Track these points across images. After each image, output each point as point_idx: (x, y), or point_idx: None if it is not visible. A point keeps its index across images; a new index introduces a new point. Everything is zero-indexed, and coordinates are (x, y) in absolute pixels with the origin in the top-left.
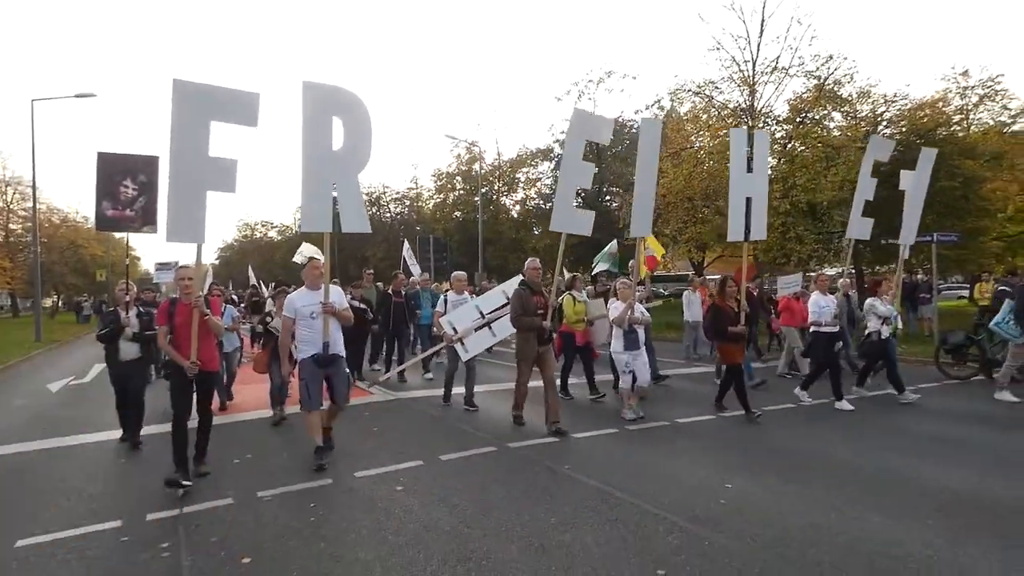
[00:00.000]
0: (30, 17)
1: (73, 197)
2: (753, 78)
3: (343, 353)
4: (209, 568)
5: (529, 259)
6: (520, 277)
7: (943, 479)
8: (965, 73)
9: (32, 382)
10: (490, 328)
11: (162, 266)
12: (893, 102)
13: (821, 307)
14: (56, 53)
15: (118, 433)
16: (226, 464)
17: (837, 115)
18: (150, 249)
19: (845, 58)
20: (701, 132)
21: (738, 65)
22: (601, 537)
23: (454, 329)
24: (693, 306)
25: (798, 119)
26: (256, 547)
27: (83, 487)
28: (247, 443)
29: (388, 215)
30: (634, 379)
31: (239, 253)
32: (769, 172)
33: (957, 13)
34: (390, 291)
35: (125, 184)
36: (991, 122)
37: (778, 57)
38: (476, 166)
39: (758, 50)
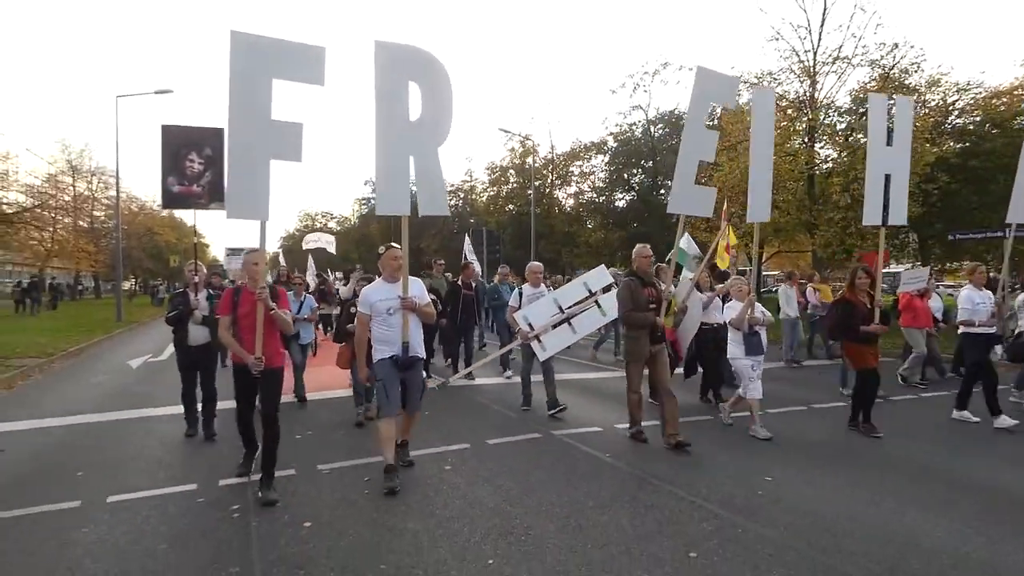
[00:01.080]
0: (112, 16)
1: (151, 187)
2: (814, 68)
3: (423, 355)
4: (274, 530)
5: (639, 246)
6: (603, 269)
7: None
8: None
9: (116, 358)
10: (570, 324)
11: (233, 252)
12: (966, 90)
13: (975, 304)
14: (137, 52)
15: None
16: (290, 439)
17: None
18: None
19: (912, 46)
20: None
21: (798, 55)
22: (636, 520)
23: (530, 325)
24: (792, 302)
25: (861, 110)
26: (315, 514)
27: (162, 455)
28: (308, 421)
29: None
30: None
31: (300, 244)
32: (829, 164)
33: None
34: (459, 282)
35: (191, 159)
36: None
37: (840, 46)
38: (529, 159)
39: (819, 39)
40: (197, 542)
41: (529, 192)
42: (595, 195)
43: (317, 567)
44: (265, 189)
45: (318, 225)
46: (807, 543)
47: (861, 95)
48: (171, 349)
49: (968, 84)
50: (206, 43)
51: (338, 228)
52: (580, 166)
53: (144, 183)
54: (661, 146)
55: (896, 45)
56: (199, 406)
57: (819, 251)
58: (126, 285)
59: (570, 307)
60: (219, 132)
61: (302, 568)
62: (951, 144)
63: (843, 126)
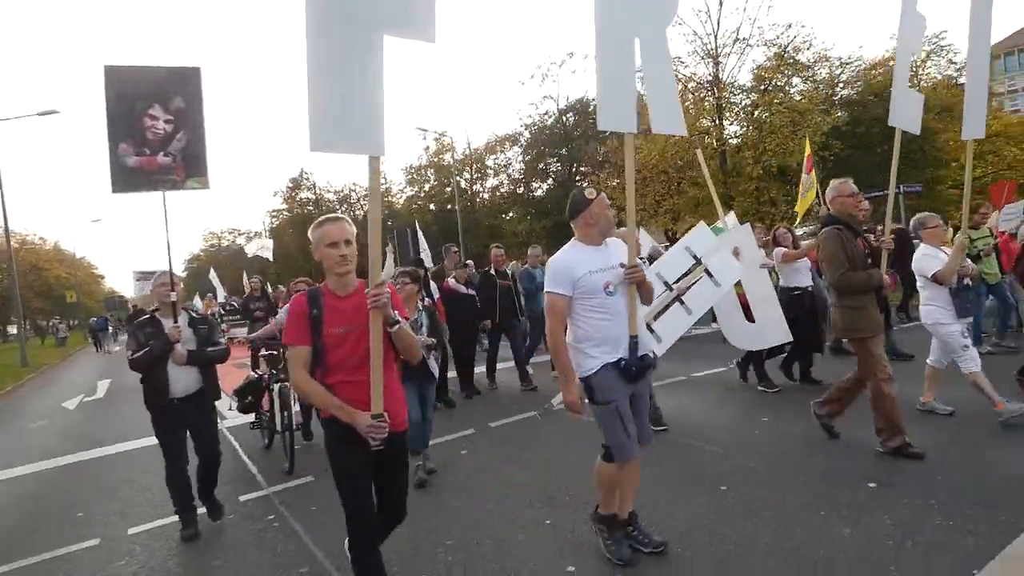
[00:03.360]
0: None
1: (31, 219)
2: (716, 50)
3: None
4: (326, 524)
5: (838, 182)
6: (703, 227)
7: None
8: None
9: (43, 402)
10: (682, 304)
11: (143, 276)
12: (848, 64)
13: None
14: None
15: None
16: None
17: (797, 80)
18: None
19: (803, 25)
20: None
21: (700, 39)
22: (658, 470)
23: (666, 283)
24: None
25: (762, 87)
26: None
27: (158, 485)
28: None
29: (360, 211)
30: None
31: (207, 263)
32: (737, 139)
33: None
34: (492, 271)
35: (152, 114)
36: (939, 76)
37: (739, 28)
38: (448, 156)
39: (719, 23)
40: (249, 552)
41: (448, 189)
42: (512, 186)
43: (385, 552)
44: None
45: (224, 243)
46: (810, 467)
47: (762, 74)
48: (104, 386)
49: (850, 58)
50: (89, 60)
51: (245, 243)
52: (496, 159)
53: (22, 215)
54: (574, 133)
55: (789, 25)
56: (193, 486)
57: (738, 219)
58: (12, 329)
59: (677, 282)
60: (190, 74)
61: None
62: (840, 114)
63: (747, 103)
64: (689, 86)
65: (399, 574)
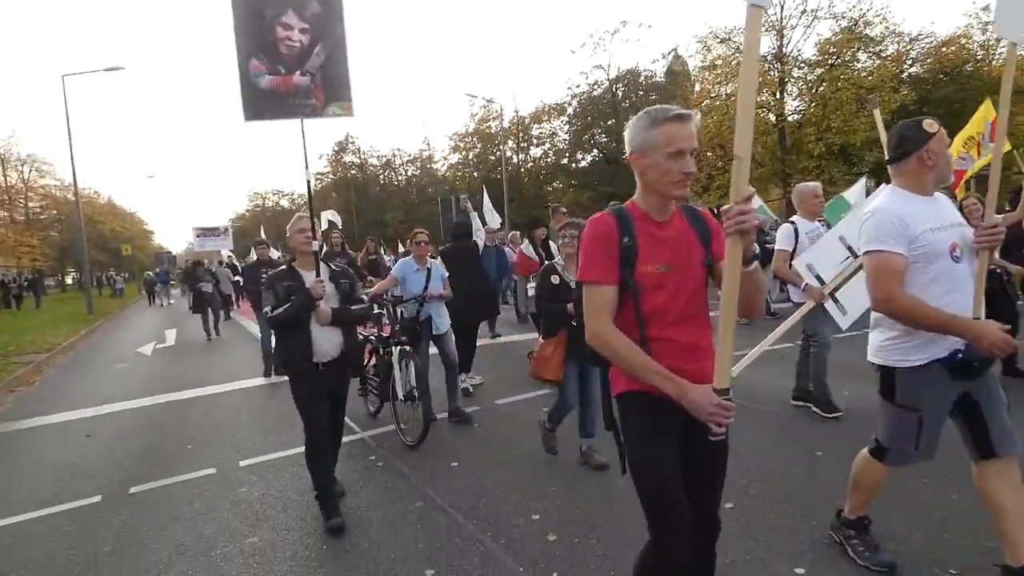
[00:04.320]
0: None
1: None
2: (782, 22)
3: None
4: (428, 465)
5: None
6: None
7: None
8: (986, 8)
9: (118, 348)
10: (836, 303)
11: (204, 232)
12: (918, 40)
13: None
14: (79, 27)
15: (249, 382)
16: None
17: (864, 56)
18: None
19: None
20: (731, 79)
21: (765, 10)
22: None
23: (819, 278)
24: None
25: (829, 62)
26: (459, 454)
27: (266, 423)
28: None
29: (402, 178)
30: None
31: (252, 223)
32: (798, 115)
33: None
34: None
35: (286, 22)
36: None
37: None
38: (494, 123)
39: None
40: (360, 488)
41: (494, 156)
42: (557, 157)
43: (491, 493)
44: None
45: (269, 203)
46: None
47: (829, 48)
48: (172, 335)
49: (919, 34)
50: (159, 17)
51: (289, 205)
52: (541, 128)
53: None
54: (623, 105)
55: None
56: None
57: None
58: (68, 279)
59: (833, 280)
60: None
61: (481, 496)
62: (908, 92)
63: (812, 78)
64: None
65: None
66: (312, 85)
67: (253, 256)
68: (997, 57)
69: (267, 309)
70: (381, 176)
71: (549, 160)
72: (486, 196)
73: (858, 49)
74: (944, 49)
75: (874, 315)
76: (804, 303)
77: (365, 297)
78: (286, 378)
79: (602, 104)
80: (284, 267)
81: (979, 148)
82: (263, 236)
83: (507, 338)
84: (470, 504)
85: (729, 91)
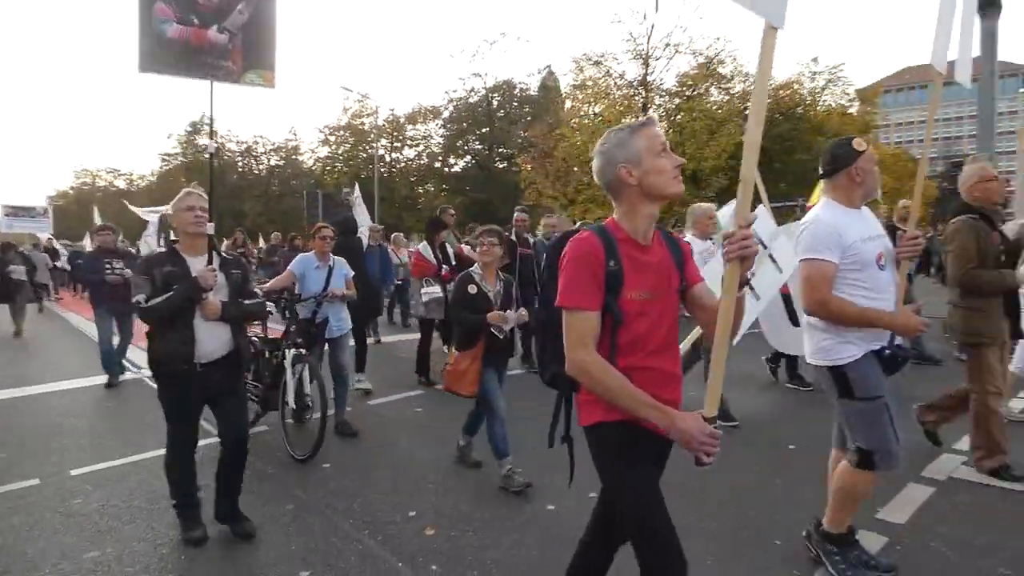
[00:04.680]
0: None
1: None
2: (648, 52)
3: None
4: (296, 467)
5: (976, 165)
6: (764, 210)
7: None
8: (815, 60)
9: None
10: (751, 289)
11: (17, 211)
12: None
13: None
14: None
15: (76, 382)
16: None
17: (715, 91)
18: None
19: (730, 40)
20: (599, 100)
21: (635, 39)
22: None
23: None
24: None
25: (686, 93)
26: (331, 455)
27: (96, 425)
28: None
29: (263, 167)
30: None
31: (76, 203)
32: None
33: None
34: (513, 236)
35: None
36: (834, 104)
37: (670, 33)
38: (368, 120)
39: (653, 27)
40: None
41: (366, 153)
42: (429, 160)
43: (365, 493)
44: None
45: (100, 183)
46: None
47: (687, 80)
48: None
49: None
50: None
51: (126, 187)
52: (415, 129)
53: None
54: (498, 114)
55: (718, 38)
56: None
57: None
58: None
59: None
60: None
61: (356, 496)
62: None
63: (672, 107)
64: (619, 83)
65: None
66: (230, 46)
67: (88, 243)
68: (821, 103)
69: (139, 298)
70: (240, 163)
71: (422, 162)
72: (358, 193)
73: (711, 84)
74: (780, 92)
75: (808, 320)
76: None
77: (259, 291)
78: (128, 377)
79: (478, 111)
80: (164, 251)
81: None
82: (101, 221)
83: (385, 339)
84: (345, 504)
85: (597, 110)
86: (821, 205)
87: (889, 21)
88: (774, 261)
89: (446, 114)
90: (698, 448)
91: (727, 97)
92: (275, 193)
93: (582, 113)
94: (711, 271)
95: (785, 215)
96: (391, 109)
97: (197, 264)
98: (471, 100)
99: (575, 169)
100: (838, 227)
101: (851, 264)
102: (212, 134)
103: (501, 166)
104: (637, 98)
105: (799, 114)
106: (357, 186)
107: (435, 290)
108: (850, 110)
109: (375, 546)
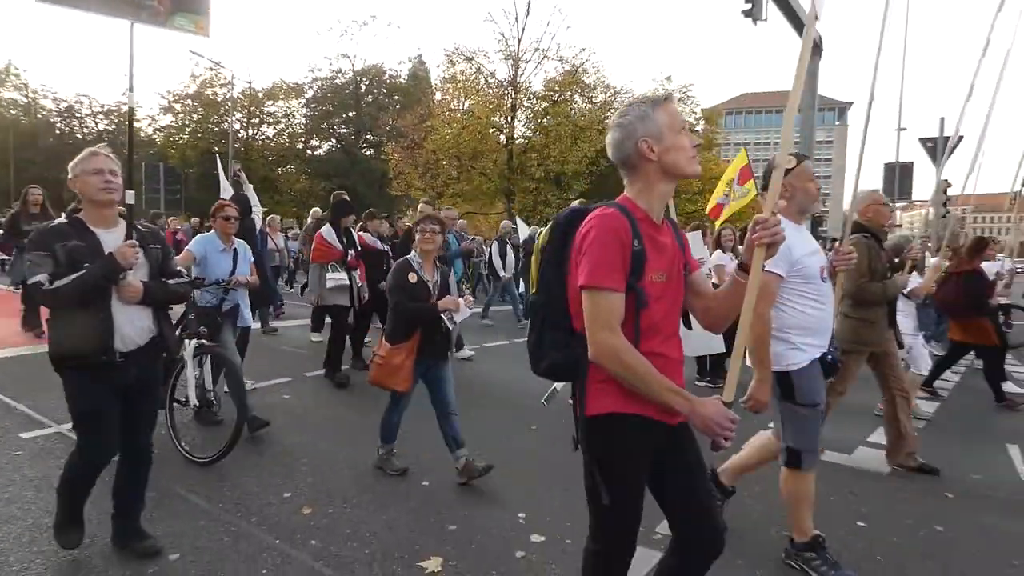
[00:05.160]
0: None
1: None
2: (518, 54)
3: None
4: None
5: (870, 192)
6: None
7: None
8: (669, 78)
9: None
10: None
11: None
12: (620, 93)
13: None
14: None
15: None
16: None
17: (579, 99)
18: None
19: (595, 52)
20: (470, 95)
21: (507, 40)
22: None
23: None
24: None
25: (553, 98)
26: (191, 442)
27: None
28: None
29: (88, 130)
30: None
31: None
32: (524, 140)
33: (666, 25)
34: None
35: None
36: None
37: (540, 39)
38: (222, 90)
39: (523, 30)
40: None
41: (219, 126)
42: (290, 140)
43: (234, 476)
44: None
45: None
46: None
47: (553, 86)
48: None
49: (622, 89)
50: None
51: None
52: (276, 107)
53: None
54: (366, 99)
55: (583, 48)
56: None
57: (517, 214)
58: None
59: None
60: None
61: (225, 480)
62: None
63: (539, 109)
64: (490, 80)
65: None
66: None
67: None
68: None
69: (40, 278)
70: (59, 125)
71: (283, 142)
72: (221, 171)
73: (575, 92)
74: None
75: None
76: None
77: (183, 271)
78: None
79: (344, 94)
80: (64, 222)
81: (731, 190)
82: None
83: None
84: (212, 489)
85: (467, 105)
86: None
87: (727, 51)
88: None
89: (310, 93)
90: (719, 433)
91: (590, 106)
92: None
93: (452, 106)
94: None
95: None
96: (248, 81)
97: (108, 238)
98: (337, 81)
99: (443, 163)
100: (789, 241)
101: (799, 277)
102: (131, 86)
103: (368, 153)
104: (507, 97)
105: None
106: (239, 165)
107: (340, 276)
108: (697, 127)
109: (249, 527)
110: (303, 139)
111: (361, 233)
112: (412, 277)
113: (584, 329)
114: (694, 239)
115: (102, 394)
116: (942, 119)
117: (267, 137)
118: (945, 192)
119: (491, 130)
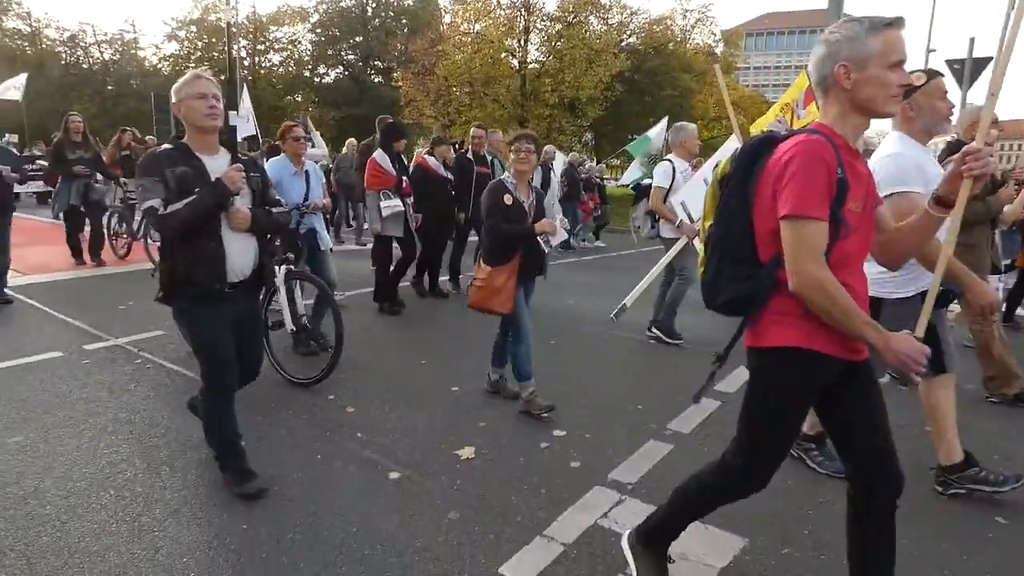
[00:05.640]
0: None
1: None
2: None
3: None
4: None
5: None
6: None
7: None
8: None
9: None
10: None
11: None
12: (637, 15)
13: None
14: None
15: None
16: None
17: (594, 20)
18: None
19: None
20: (480, 18)
21: None
22: None
23: (690, 216)
24: None
25: (568, 19)
26: None
27: None
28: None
29: (93, 61)
30: None
31: None
32: (538, 65)
33: None
34: (469, 154)
35: None
36: (702, 44)
37: None
38: (224, 15)
39: None
40: (133, 386)
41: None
42: (297, 68)
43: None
44: None
45: None
46: None
47: (568, 6)
48: None
49: (638, 10)
50: None
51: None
52: (281, 32)
53: None
54: (373, 22)
55: None
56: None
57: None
58: None
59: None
60: None
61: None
62: (626, 59)
63: (553, 32)
64: (502, 2)
65: None
66: None
67: None
68: (691, 41)
69: (154, 203)
70: (65, 56)
71: (290, 70)
72: (247, 99)
73: (590, 13)
74: (654, 27)
75: None
76: (675, 239)
77: (282, 199)
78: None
79: (351, 18)
80: (171, 147)
81: (793, 114)
82: None
83: None
84: (265, 394)
85: (478, 29)
86: (896, 139)
87: None
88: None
89: (315, 18)
90: (913, 368)
91: (605, 27)
92: (111, 93)
93: (463, 30)
94: (689, 192)
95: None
96: (252, 6)
97: (212, 164)
98: (343, 4)
99: (454, 89)
100: (920, 161)
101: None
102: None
103: (376, 80)
104: (519, 20)
105: (670, 50)
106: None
107: (395, 203)
108: (716, 49)
109: (299, 422)
110: (310, 66)
111: (426, 157)
112: (507, 199)
113: (771, 260)
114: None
115: (217, 323)
116: (971, 40)
117: (273, 64)
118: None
119: (503, 55)
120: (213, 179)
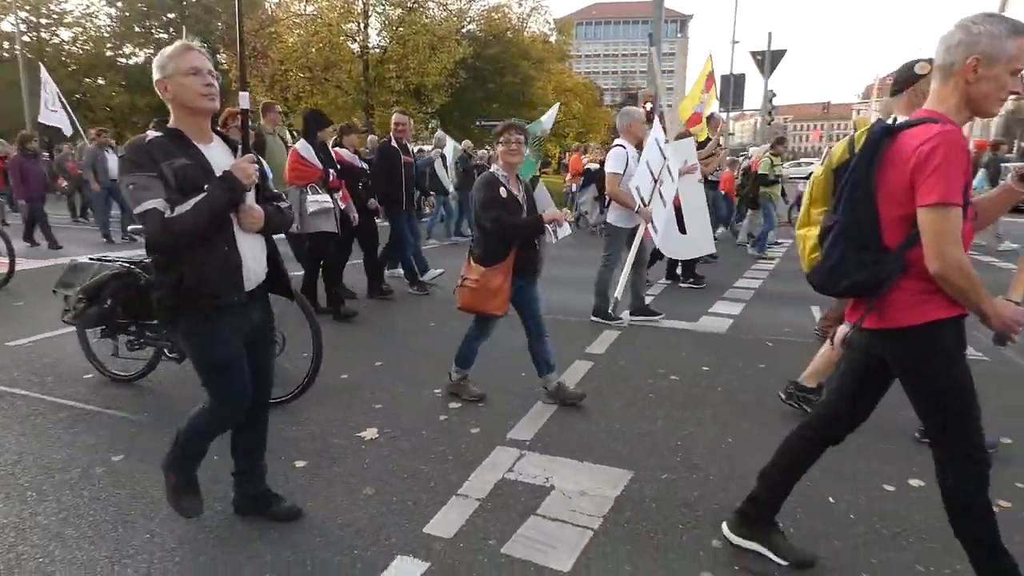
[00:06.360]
0: None
1: None
2: None
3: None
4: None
5: None
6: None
7: None
8: None
9: None
10: (661, 196)
11: None
12: (475, 1)
13: None
14: None
15: None
16: None
17: (433, 5)
18: None
19: None
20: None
21: None
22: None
23: (643, 200)
24: None
25: (408, 4)
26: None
27: None
28: None
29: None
30: None
31: None
32: (380, 50)
33: None
34: (393, 143)
35: None
36: (538, 32)
37: None
38: None
39: None
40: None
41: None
42: (95, 46)
43: None
44: None
45: None
46: None
47: None
48: None
49: None
50: None
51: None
52: (71, 3)
53: None
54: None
55: None
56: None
57: (379, 132)
58: None
59: (658, 168)
60: None
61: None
62: (467, 46)
63: (395, 16)
64: None
65: None
66: None
67: None
68: (527, 29)
69: (156, 205)
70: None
71: (88, 48)
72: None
73: None
74: (492, 15)
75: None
76: (620, 227)
77: (281, 193)
78: None
79: None
80: (160, 135)
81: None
82: None
83: None
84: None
85: (311, 10)
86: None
87: None
88: (670, 172)
89: None
90: (1016, 330)
91: (445, 13)
92: None
93: (294, 10)
94: (639, 176)
95: (483, 132)
96: None
97: (212, 153)
98: None
99: (291, 74)
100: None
101: None
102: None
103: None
104: (357, 2)
105: (509, 38)
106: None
107: (323, 198)
108: (550, 38)
109: None
110: (112, 45)
111: (336, 149)
112: (503, 192)
113: (900, 245)
114: (686, 146)
115: (233, 339)
116: (769, 33)
117: (64, 41)
118: (771, 102)
119: (343, 38)
120: (218, 172)
